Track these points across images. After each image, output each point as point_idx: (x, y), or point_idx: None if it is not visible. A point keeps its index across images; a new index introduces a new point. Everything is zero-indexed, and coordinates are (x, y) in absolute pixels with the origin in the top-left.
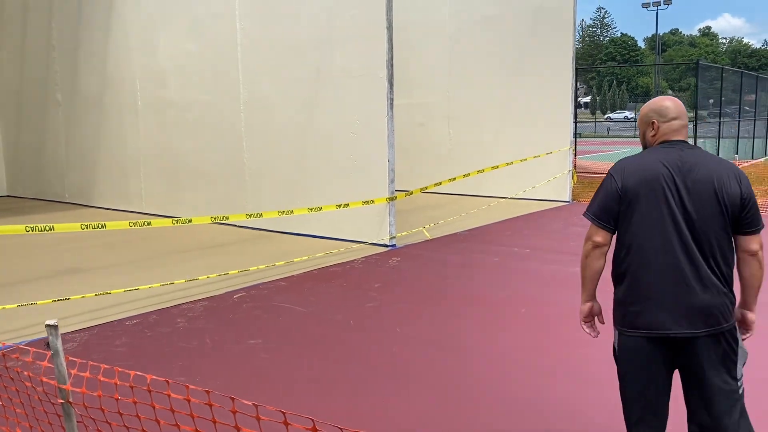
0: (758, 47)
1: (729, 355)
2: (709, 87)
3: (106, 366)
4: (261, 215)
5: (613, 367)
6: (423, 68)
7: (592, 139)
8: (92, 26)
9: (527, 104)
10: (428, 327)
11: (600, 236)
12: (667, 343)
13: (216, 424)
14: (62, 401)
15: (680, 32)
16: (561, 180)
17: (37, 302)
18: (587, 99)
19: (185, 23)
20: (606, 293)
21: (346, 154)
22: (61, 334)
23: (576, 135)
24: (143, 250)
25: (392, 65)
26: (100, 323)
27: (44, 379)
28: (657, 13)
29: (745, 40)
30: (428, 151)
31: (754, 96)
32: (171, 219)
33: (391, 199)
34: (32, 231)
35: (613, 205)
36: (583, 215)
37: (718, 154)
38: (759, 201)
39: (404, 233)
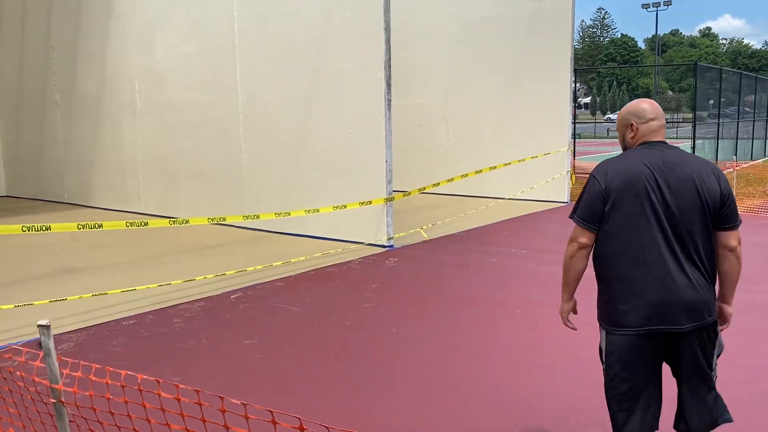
0: (758, 48)
1: (709, 348)
2: (710, 88)
3: (97, 366)
4: (258, 217)
5: None
6: (422, 69)
7: (592, 139)
8: (91, 27)
9: (525, 105)
10: (425, 327)
11: (585, 237)
12: (655, 338)
13: (206, 423)
14: (54, 401)
15: (680, 33)
16: (559, 181)
17: (34, 302)
18: (587, 100)
19: (183, 24)
20: (584, 293)
21: (344, 155)
22: (58, 335)
23: (575, 136)
24: (140, 250)
25: (390, 66)
26: (97, 323)
27: (36, 379)
28: (657, 13)
29: (746, 41)
30: (427, 151)
31: (753, 97)
32: (168, 219)
33: (389, 199)
34: (29, 231)
35: (598, 206)
36: (570, 217)
37: (717, 155)
38: (758, 202)
39: (402, 234)
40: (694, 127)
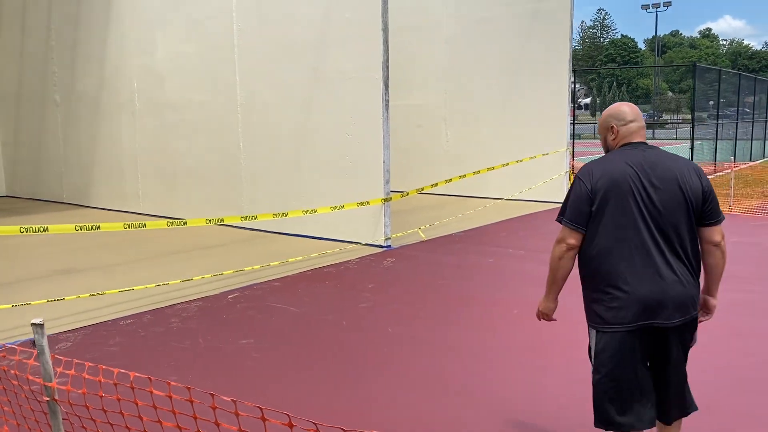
0: (759, 49)
1: (689, 340)
2: (709, 89)
3: (90, 364)
4: (255, 217)
5: None
6: (421, 70)
7: (592, 140)
8: (90, 27)
9: (524, 106)
10: (421, 327)
11: (573, 238)
12: (645, 333)
13: (197, 421)
14: (48, 399)
15: (681, 34)
16: (558, 181)
17: (32, 302)
18: (587, 100)
19: (183, 24)
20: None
21: (342, 155)
22: (55, 334)
23: (574, 136)
24: (138, 250)
25: (388, 67)
26: (94, 323)
27: (30, 377)
28: (656, 14)
29: (746, 42)
30: (426, 152)
31: (752, 98)
32: (165, 221)
33: (387, 200)
34: (26, 232)
35: (585, 207)
36: (557, 220)
37: (715, 156)
38: (756, 202)
39: (399, 234)
40: (692, 127)
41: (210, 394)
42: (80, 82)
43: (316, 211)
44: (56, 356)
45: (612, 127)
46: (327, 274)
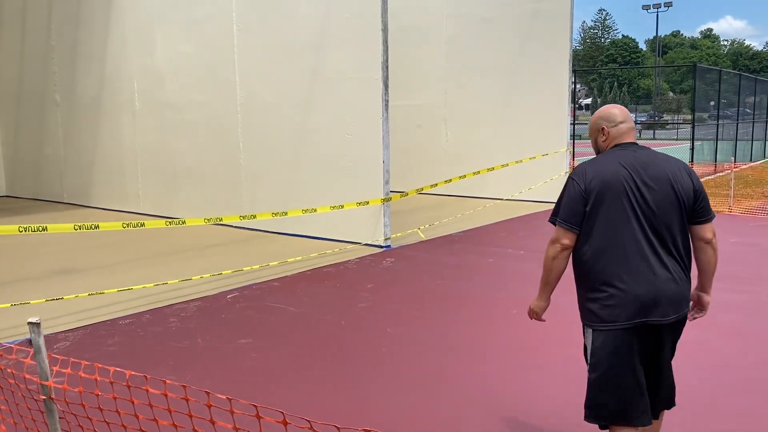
0: (760, 49)
1: (679, 335)
2: (710, 89)
3: (86, 362)
4: (254, 217)
5: None
6: (421, 70)
7: None
8: (90, 28)
9: (524, 106)
10: (420, 327)
11: (568, 239)
12: (640, 330)
13: (192, 419)
14: (44, 397)
15: (682, 34)
16: (558, 181)
17: (31, 302)
18: (588, 101)
19: (182, 25)
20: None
21: (342, 155)
22: (54, 334)
23: (574, 137)
24: (137, 250)
25: (387, 67)
26: (93, 323)
27: (27, 376)
28: (657, 15)
29: (747, 43)
30: (426, 152)
31: (753, 98)
32: (164, 220)
33: (386, 200)
34: (25, 231)
35: (579, 207)
36: (550, 221)
37: (716, 157)
38: (755, 203)
39: (399, 234)
40: (693, 128)
41: (205, 392)
42: (80, 82)
43: (315, 210)
44: (54, 355)
45: (603, 128)
46: (326, 274)
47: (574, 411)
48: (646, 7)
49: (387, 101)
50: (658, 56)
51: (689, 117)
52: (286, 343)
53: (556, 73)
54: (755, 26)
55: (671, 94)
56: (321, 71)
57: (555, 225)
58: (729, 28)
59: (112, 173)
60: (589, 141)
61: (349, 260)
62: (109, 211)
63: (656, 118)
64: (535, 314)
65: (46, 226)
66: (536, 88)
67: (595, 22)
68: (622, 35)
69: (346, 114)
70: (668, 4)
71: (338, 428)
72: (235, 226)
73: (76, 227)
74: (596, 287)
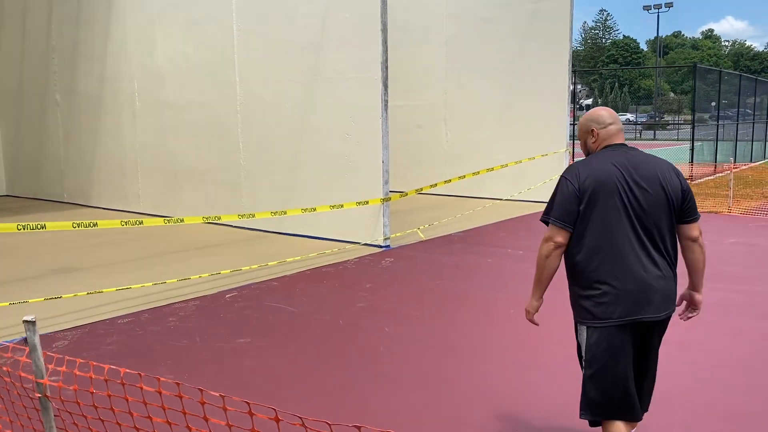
0: (761, 50)
1: (665, 331)
2: (711, 90)
3: (81, 360)
4: (254, 216)
5: None
6: (421, 70)
7: None
8: (91, 28)
9: (524, 106)
10: (418, 327)
11: (561, 237)
12: (633, 327)
13: (186, 415)
14: (39, 395)
15: (683, 35)
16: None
17: (29, 300)
18: (589, 101)
19: (182, 25)
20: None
21: (341, 155)
22: (53, 333)
23: (574, 137)
24: (137, 249)
25: (387, 67)
26: (92, 322)
27: (23, 374)
28: (658, 15)
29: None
30: (426, 152)
31: (753, 99)
32: (163, 218)
33: (386, 200)
34: (24, 229)
35: (573, 206)
36: (542, 220)
37: (716, 157)
38: (755, 203)
39: (398, 234)
40: (693, 128)
41: (199, 389)
42: (81, 82)
43: (315, 209)
44: (51, 354)
45: (592, 130)
46: (325, 273)
47: (573, 411)
48: (647, 8)
49: (386, 101)
50: (659, 57)
51: (690, 117)
52: (285, 342)
53: (556, 73)
54: (756, 27)
55: (672, 94)
56: (321, 71)
57: (548, 224)
58: (730, 28)
59: (112, 173)
60: None
61: (348, 260)
62: (110, 211)
63: (657, 119)
64: (529, 315)
65: (44, 224)
66: (536, 89)
67: (596, 22)
68: (623, 36)
69: (345, 114)
70: (669, 5)
71: (329, 424)
72: (235, 226)
73: (74, 225)
74: (590, 285)
